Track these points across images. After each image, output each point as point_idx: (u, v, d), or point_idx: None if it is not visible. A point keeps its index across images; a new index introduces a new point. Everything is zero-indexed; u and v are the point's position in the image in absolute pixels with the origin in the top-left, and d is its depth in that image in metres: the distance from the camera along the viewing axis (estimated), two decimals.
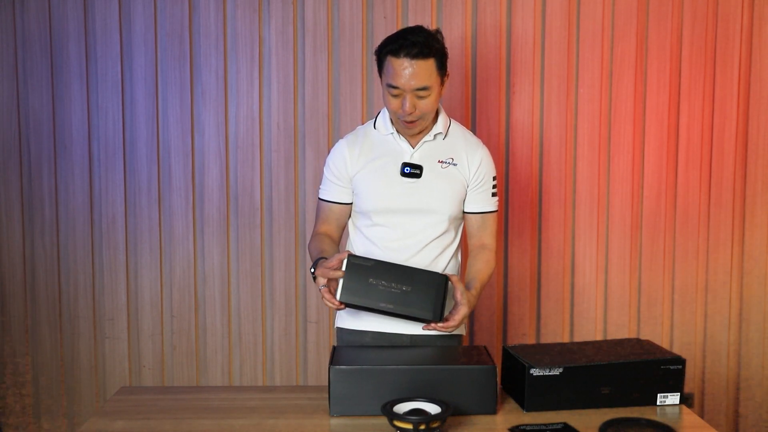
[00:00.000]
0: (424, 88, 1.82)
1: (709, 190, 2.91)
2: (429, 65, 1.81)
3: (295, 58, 2.84)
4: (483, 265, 1.97)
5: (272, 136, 2.87)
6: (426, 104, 1.85)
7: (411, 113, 1.85)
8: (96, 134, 2.89)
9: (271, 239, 2.90)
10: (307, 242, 2.85)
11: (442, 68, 1.86)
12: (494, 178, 2.02)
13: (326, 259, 1.82)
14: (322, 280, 1.79)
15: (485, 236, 2.01)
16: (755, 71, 2.87)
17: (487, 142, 2.87)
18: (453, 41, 2.79)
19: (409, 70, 1.80)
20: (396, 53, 1.81)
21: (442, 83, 1.88)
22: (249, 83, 2.85)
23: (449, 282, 1.81)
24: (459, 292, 1.79)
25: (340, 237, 2.07)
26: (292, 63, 2.84)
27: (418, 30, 1.84)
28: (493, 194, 2.01)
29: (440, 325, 1.77)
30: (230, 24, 2.83)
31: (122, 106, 2.87)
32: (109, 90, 2.86)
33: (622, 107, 2.87)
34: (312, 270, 1.85)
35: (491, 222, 2.02)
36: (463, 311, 1.78)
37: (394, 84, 1.82)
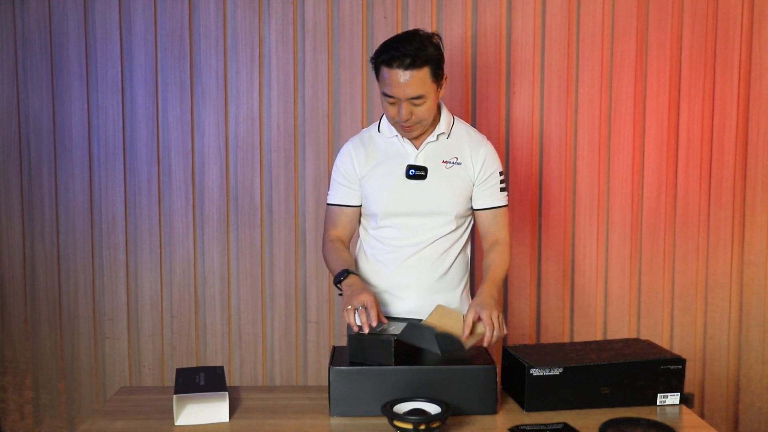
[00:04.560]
0: (418, 97, 1.83)
1: (709, 190, 2.91)
2: (422, 74, 1.82)
3: (295, 58, 2.84)
4: (496, 256, 1.96)
5: (272, 136, 2.87)
6: (422, 111, 1.86)
7: (407, 119, 1.86)
8: (96, 134, 2.88)
9: (271, 239, 2.90)
10: (314, 243, 2.87)
11: (437, 74, 1.86)
12: (501, 173, 2.01)
13: (356, 276, 1.86)
14: (360, 305, 1.76)
15: (498, 231, 2.00)
16: (755, 71, 2.87)
17: None
18: (453, 41, 2.79)
19: (402, 80, 1.81)
20: (389, 63, 1.82)
21: (438, 88, 1.89)
22: (249, 83, 2.85)
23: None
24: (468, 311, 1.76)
25: (350, 240, 2.08)
26: (292, 63, 2.84)
27: (412, 37, 1.84)
28: (502, 189, 2.01)
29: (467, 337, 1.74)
30: (230, 24, 2.83)
31: (122, 106, 2.87)
32: (109, 90, 2.86)
33: (622, 107, 2.87)
34: (338, 284, 1.87)
35: (501, 217, 2.01)
36: (470, 314, 1.74)
37: (388, 93, 1.84)
